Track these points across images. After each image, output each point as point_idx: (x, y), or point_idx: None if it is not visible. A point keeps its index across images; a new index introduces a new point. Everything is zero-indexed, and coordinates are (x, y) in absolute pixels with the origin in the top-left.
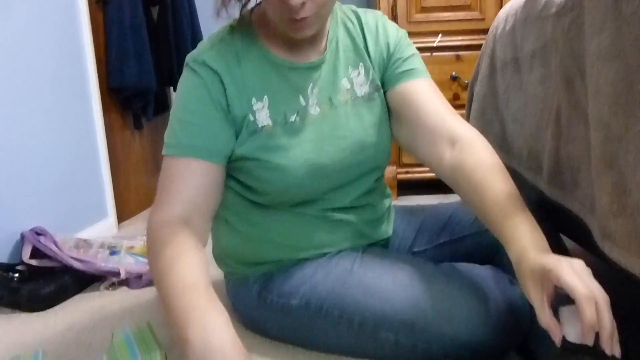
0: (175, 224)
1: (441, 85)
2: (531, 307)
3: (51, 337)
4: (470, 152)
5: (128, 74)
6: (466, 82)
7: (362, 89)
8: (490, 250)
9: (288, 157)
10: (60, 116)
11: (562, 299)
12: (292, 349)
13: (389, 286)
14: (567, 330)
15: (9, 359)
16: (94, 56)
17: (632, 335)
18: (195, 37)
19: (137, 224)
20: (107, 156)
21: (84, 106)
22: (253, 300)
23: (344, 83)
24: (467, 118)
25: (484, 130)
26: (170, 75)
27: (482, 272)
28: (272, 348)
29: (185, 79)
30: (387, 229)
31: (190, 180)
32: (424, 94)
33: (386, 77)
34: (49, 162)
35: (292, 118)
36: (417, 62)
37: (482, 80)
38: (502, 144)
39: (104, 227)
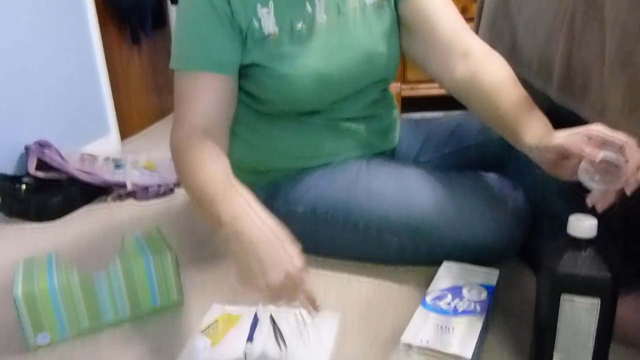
0: (196, 136)
1: None
2: (533, 211)
3: (62, 245)
4: (485, 64)
5: None
6: None
7: None
8: (495, 160)
9: (295, 67)
10: (56, 30)
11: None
12: None
13: (394, 192)
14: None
15: (23, 262)
16: None
17: (631, 234)
18: None
19: (140, 141)
20: (106, 71)
21: (79, 20)
22: None
23: None
24: (477, 29)
25: (494, 41)
26: None
27: (486, 178)
28: None
29: None
30: (393, 139)
31: (204, 95)
32: (438, 6)
33: None
34: (48, 77)
35: (299, 26)
36: None
37: None
38: (511, 53)
39: (107, 143)
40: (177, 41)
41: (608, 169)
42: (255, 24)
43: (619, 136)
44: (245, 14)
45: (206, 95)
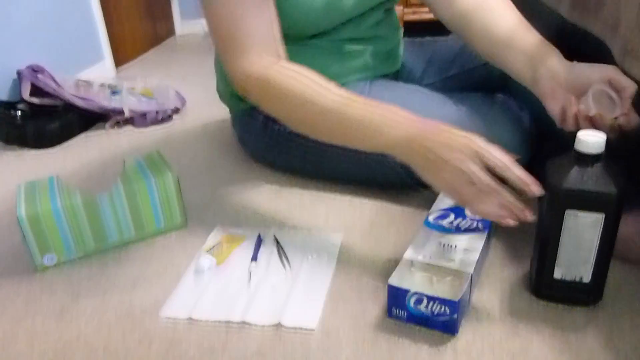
0: (273, 59)
1: None
2: (538, 131)
3: (62, 170)
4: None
5: None
6: None
7: None
8: (500, 81)
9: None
10: None
11: None
12: (300, 178)
13: (397, 112)
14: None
15: (24, 185)
16: None
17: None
18: None
19: (135, 68)
20: None
21: None
22: (259, 130)
23: None
24: None
25: None
26: None
27: (491, 99)
28: (280, 177)
29: None
30: (397, 61)
31: (253, 14)
32: None
33: None
34: (38, 2)
35: None
36: None
37: None
38: None
39: (101, 69)
40: None
41: (603, 101)
42: None
43: (623, 80)
44: None
45: (256, 13)
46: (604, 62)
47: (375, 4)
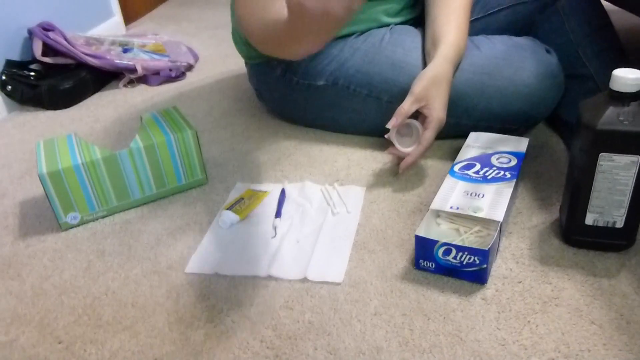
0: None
1: None
2: (565, 76)
3: (79, 129)
4: None
5: None
6: None
7: None
8: (526, 24)
9: None
10: None
11: None
12: (318, 131)
13: (418, 61)
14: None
15: (43, 142)
16: None
17: None
18: None
19: (145, 25)
20: None
21: None
22: (277, 82)
23: None
24: None
25: None
26: None
27: (517, 42)
28: (299, 131)
29: None
30: (418, 7)
31: None
32: None
33: None
34: None
35: None
36: None
37: None
38: None
39: (111, 26)
40: None
41: (410, 132)
42: None
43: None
44: None
45: None
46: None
47: None
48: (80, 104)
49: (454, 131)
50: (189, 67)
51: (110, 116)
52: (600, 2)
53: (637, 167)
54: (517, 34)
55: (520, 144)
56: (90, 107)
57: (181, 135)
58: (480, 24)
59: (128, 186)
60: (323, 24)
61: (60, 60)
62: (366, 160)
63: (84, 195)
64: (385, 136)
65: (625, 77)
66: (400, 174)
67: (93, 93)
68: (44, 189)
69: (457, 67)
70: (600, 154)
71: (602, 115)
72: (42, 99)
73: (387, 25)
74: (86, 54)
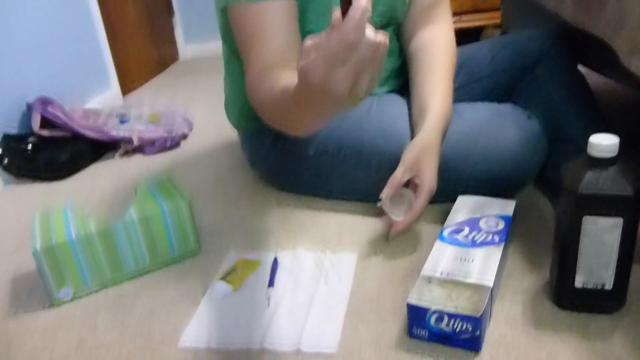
0: (274, 74)
1: None
2: (548, 139)
3: (75, 201)
4: (439, 38)
5: None
6: None
7: None
8: (507, 89)
9: (325, 2)
10: None
11: None
12: (310, 198)
13: (406, 129)
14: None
15: (39, 216)
16: None
17: None
18: None
19: (142, 94)
20: (102, 22)
21: None
22: (268, 151)
23: None
24: None
25: None
26: None
27: (500, 109)
28: (291, 198)
29: None
30: (404, 76)
31: (276, 26)
32: None
33: None
34: (45, 33)
35: None
36: None
37: None
38: None
39: (108, 97)
40: None
41: (399, 201)
42: None
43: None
44: None
45: (277, 27)
46: (608, 65)
47: (389, 23)
48: (77, 175)
49: (443, 195)
50: (184, 136)
51: (106, 187)
52: (576, 66)
53: (621, 229)
54: (499, 99)
55: (508, 206)
56: (87, 178)
57: (175, 206)
58: (463, 91)
59: (122, 259)
60: (325, 101)
61: (57, 133)
62: (357, 225)
63: (78, 270)
64: (378, 204)
65: (602, 144)
66: (391, 240)
67: (90, 164)
68: (37, 266)
69: (444, 136)
70: (584, 217)
71: (582, 180)
72: (39, 171)
73: (375, 93)
74: (83, 126)
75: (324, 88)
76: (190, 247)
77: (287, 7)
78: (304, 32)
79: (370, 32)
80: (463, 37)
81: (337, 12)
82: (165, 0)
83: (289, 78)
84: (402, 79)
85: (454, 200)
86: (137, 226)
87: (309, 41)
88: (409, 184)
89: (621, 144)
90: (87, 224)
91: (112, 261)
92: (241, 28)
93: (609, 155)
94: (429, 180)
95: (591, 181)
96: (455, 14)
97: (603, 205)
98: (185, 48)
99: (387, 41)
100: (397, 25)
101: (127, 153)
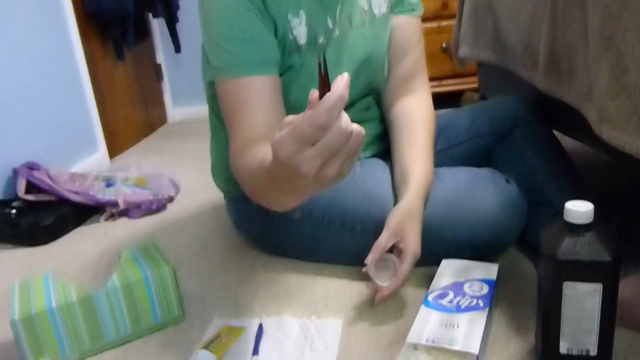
0: (255, 146)
1: None
2: (527, 203)
3: (57, 265)
4: (418, 107)
5: None
6: None
7: (381, 9)
8: (486, 154)
9: (311, 79)
10: (38, 48)
11: None
12: (296, 261)
13: (389, 194)
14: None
15: (19, 284)
16: None
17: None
18: None
19: (130, 157)
20: (91, 87)
21: (62, 36)
22: (254, 215)
23: (362, 3)
24: (459, 22)
25: (477, 31)
26: (148, 0)
27: (479, 173)
28: (277, 262)
29: None
30: (385, 141)
31: (259, 100)
32: (414, 33)
33: (393, 1)
34: (33, 97)
35: (320, 40)
36: None
37: None
38: (495, 44)
39: (96, 160)
40: (213, 48)
41: (384, 266)
42: (289, 34)
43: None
44: (280, 22)
45: (261, 100)
46: (581, 131)
47: (370, 89)
48: (60, 239)
49: (427, 259)
50: (171, 199)
51: (90, 252)
52: (552, 132)
53: (601, 295)
54: (478, 163)
55: (491, 270)
56: (70, 243)
57: (158, 273)
58: (443, 155)
59: (102, 327)
60: (293, 178)
61: (42, 197)
62: (343, 289)
63: (57, 340)
64: (363, 270)
65: (577, 210)
66: (377, 305)
67: (74, 228)
68: (15, 336)
69: (426, 201)
70: (564, 283)
71: (560, 246)
72: (22, 236)
73: (358, 158)
74: (69, 190)
75: (291, 164)
76: (173, 314)
77: (270, 81)
78: (288, 106)
79: (344, 120)
80: (444, 100)
81: (314, 93)
82: (155, 65)
83: (267, 152)
84: (384, 144)
85: (438, 264)
86: (119, 293)
87: (288, 117)
88: (393, 249)
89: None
90: (68, 292)
91: (93, 330)
92: (226, 101)
93: (585, 222)
94: (413, 245)
95: (569, 247)
96: (435, 78)
97: (582, 271)
98: (174, 111)
99: (363, 133)
100: (377, 94)
101: (112, 216)
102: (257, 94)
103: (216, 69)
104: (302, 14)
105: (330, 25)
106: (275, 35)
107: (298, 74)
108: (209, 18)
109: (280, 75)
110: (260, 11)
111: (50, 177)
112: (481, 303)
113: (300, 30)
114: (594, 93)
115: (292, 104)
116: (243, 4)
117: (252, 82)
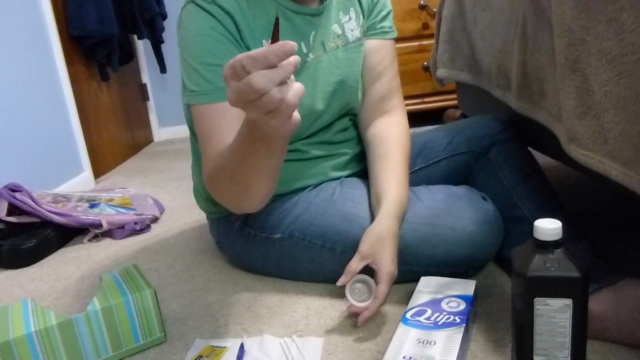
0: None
1: (409, 14)
2: (504, 219)
3: (38, 289)
4: (393, 128)
5: (88, 20)
6: (434, 10)
7: (354, 34)
8: (463, 171)
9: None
10: (23, 70)
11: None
12: (278, 281)
13: (367, 214)
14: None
15: None
16: (50, 2)
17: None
18: None
19: (114, 177)
20: (76, 109)
21: (46, 59)
22: (236, 235)
23: (335, 29)
24: (436, 44)
25: (454, 53)
26: (133, 22)
27: (456, 191)
28: (259, 282)
29: (195, 18)
30: (364, 161)
31: (233, 126)
32: (388, 56)
33: (366, 25)
34: (17, 119)
35: None
36: (391, 18)
37: (449, 3)
38: (471, 65)
39: (80, 181)
40: (190, 73)
41: (360, 288)
42: None
43: (384, 269)
44: (253, 47)
45: (234, 127)
46: (555, 149)
47: (345, 112)
48: (43, 261)
49: (407, 277)
50: (155, 219)
51: (72, 274)
52: (527, 149)
53: (571, 310)
54: (457, 181)
55: (468, 286)
56: (53, 265)
57: (139, 295)
58: (423, 173)
59: (83, 351)
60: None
61: (25, 219)
62: (325, 308)
63: None
64: (337, 284)
65: (546, 228)
66: (360, 324)
67: (57, 249)
68: None
69: (402, 220)
70: (535, 299)
71: (530, 263)
72: (3, 259)
73: (337, 178)
74: (52, 212)
75: (247, 81)
76: (155, 336)
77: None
78: None
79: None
80: (427, 117)
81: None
82: (140, 85)
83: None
84: (363, 164)
85: (418, 281)
86: (99, 316)
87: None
88: (369, 270)
89: (571, 224)
90: (47, 316)
91: (73, 354)
92: (201, 124)
93: (554, 239)
94: (385, 265)
95: (539, 264)
96: (418, 96)
97: (552, 287)
98: (159, 131)
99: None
100: (354, 115)
101: (95, 237)
102: (232, 119)
103: (192, 93)
104: None
105: (304, 49)
106: None
107: None
108: (185, 43)
109: None
110: (235, 39)
111: (33, 198)
112: (458, 319)
113: None
114: (563, 113)
115: None
116: (218, 30)
117: (227, 108)
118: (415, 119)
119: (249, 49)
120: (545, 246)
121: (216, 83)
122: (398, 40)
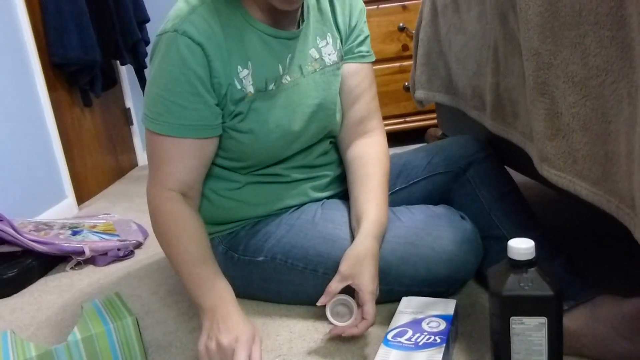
0: (174, 198)
1: (389, 36)
2: (482, 238)
3: (19, 319)
4: (372, 148)
5: (70, 47)
6: (413, 32)
7: (331, 58)
8: (442, 191)
9: (262, 122)
10: (4, 97)
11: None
12: (261, 304)
13: (347, 235)
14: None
15: None
16: (31, 29)
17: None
18: (138, 6)
19: (98, 204)
20: (58, 136)
21: (28, 85)
22: (220, 259)
23: (312, 53)
24: (414, 66)
25: (431, 75)
26: (115, 48)
27: (435, 211)
28: (242, 305)
29: (165, 52)
30: (345, 183)
31: (183, 160)
32: (366, 78)
33: (344, 49)
34: None
35: (271, 86)
36: (369, 42)
37: (425, 26)
38: (448, 87)
39: (63, 208)
40: (152, 100)
41: (344, 312)
42: (237, 84)
43: (366, 296)
44: (225, 75)
45: (185, 160)
46: (529, 168)
47: (324, 134)
48: (24, 290)
49: (389, 297)
50: (138, 245)
51: (54, 303)
52: (504, 169)
53: (547, 328)
54: (436, 201)
55: (448, 306)
56: (34, 294)
57: (121, 324)
58: (403, 193)
59: None
60: None
61: (6, 249)
62: (308, 331)
63: None
64: (317, 304)
65: (519, 247)
66: (342, 344)
67: (39, 278)
68: None
69: (381, 240)
70: (511, 318)
71: (505, 283)
72: None
73: (319, 199)
74: (33, 241)
75: None
76: None
77: (198, 144)
78: (233, 149)
79: None
80: (408, 136)
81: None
82: (124, 110)
83: (195, 250)
84: (344, 186)
85: (399, 301)
86: (79, 346)
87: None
88: (350, 290)
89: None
90: (26, 348)
91: None
92: (155, 149)
93: (527, 258)
94: (367, 285)
95: (513, 283)
96: (400, 115)
97: (527, 306)
98: (144, 155)
99: None
100: (333, 138)
101: (78, 265)
102: (184, 154)
103: (152, 121)
104: (250, 64)
105: (281, 72)
106: (223, 93)
107: (245, 117)
108: (154, 73)
109: (230, 120)
110: (202, 82)
111: (14, 227)
112: (438, 339)
113: (247, 80)
114: (534, 135)
115: (237, 148)
116: (187, 75)
117: (182, 143)
118: (398, 138)
119: (213, 79)
120: (519, 265)
121: (176, 119)
122: (379, 61)
